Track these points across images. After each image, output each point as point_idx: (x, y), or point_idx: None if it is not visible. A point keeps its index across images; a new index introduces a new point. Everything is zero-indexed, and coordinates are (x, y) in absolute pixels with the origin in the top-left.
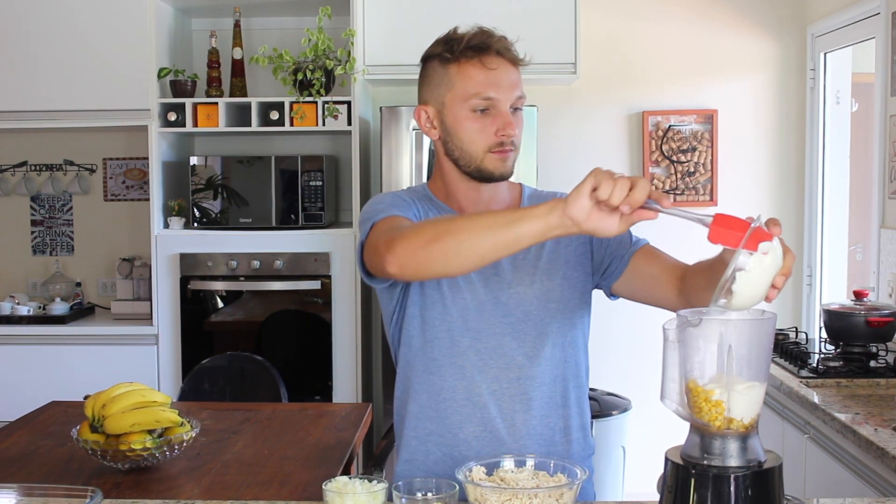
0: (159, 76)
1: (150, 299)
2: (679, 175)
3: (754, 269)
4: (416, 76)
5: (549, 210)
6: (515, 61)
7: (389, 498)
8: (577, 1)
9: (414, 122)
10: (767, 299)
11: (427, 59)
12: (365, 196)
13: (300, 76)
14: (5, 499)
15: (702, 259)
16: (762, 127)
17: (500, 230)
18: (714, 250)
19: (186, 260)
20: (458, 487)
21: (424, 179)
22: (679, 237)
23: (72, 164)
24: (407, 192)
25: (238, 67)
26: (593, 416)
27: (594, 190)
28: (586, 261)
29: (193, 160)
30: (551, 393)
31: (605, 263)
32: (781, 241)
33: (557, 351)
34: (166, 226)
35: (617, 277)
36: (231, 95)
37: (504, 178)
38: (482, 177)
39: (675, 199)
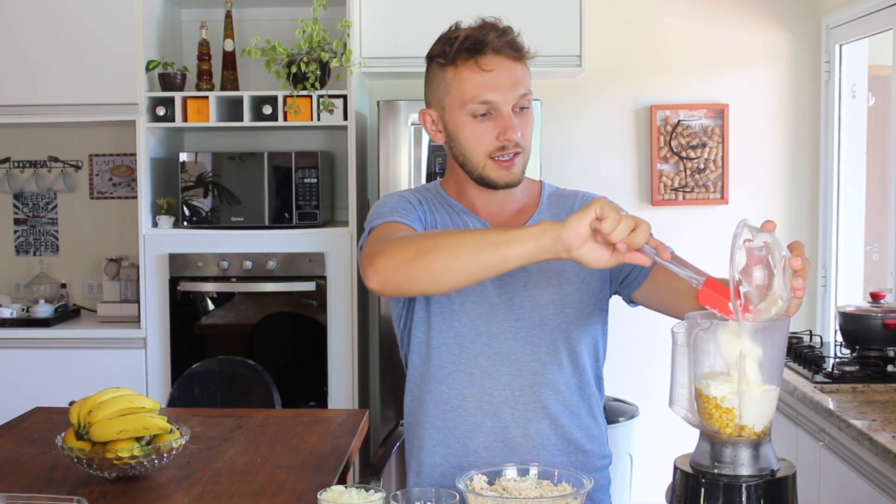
0: (147, 69)
1: (138, 301)
2: (688, 172)
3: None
4: (415, 69)
5: (542, 233)
6: (517, 57)
7: None
8: None
9: (412, 118)
10: (796, 295)
11: (428, 59)
12: (362, 194)
13: (294, 69)
14: None
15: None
16: (775, 122)
17: (488, 251)
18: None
19: (176, 260)
20: (458, 497)
21: (423, 176)
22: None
23: (56, 160)
24: (417, 191)
25: (229, 60)
26: None
27: (597, 220)
28: (616, 267)
29: (183, 156)
30: (566, 401)
31: (625, 272)
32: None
33: (573, 358)
34: (155, 225)
35: (636, 287)
36: (222, 89)
37: (510, 186)
38: (486, 185)
39: (684, 197)
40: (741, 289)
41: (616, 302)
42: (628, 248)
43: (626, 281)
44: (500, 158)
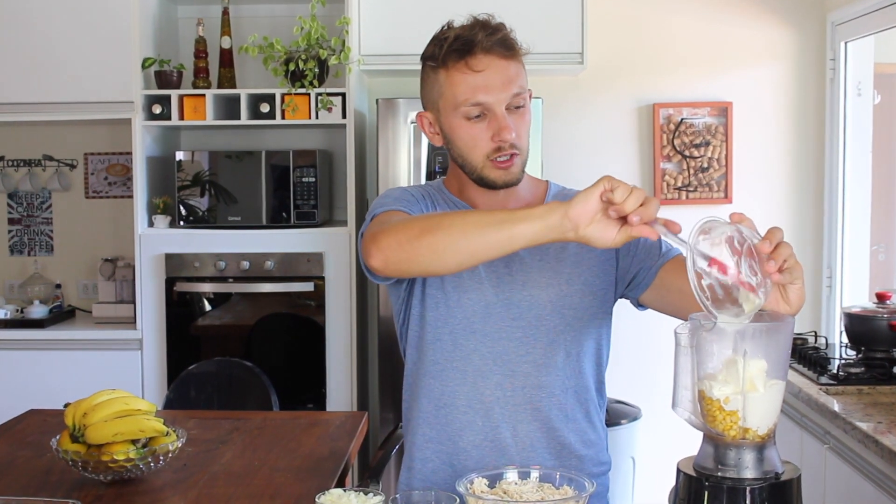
0: (143, 66)
1: (134, 302)
2: (692, 171)
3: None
4: (415, 66)
5: (549, 211)
6: (508, 55)
7: None
8: None
9: (412, 116)
10: (773, 279)
11: (422, 60)
12: (360, 193)
13: (292, 66)
14: None
15: None
16: (779, 120)
17: (494, 229)
18: None
19: (172, 260)
20: (458, 500)
21: (423, 175)
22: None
23: (51, 159)
24: (420, 187)
25: (226, 57)
26: None
27: (607, 192)
28: (610, 268)
29: (179, 155)
30: (561, 405)
31: (632, 273)
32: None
33: (570, 361)
34: (151, 224)
35: (644, 289)
36: (219, 87)
37: (509, 185)
38: (486, 185)
39: (687, 196)
40: (703, 282)
41: (618, 301)
42: (641, 220)
43: (633, 283)
44: (498, 160)
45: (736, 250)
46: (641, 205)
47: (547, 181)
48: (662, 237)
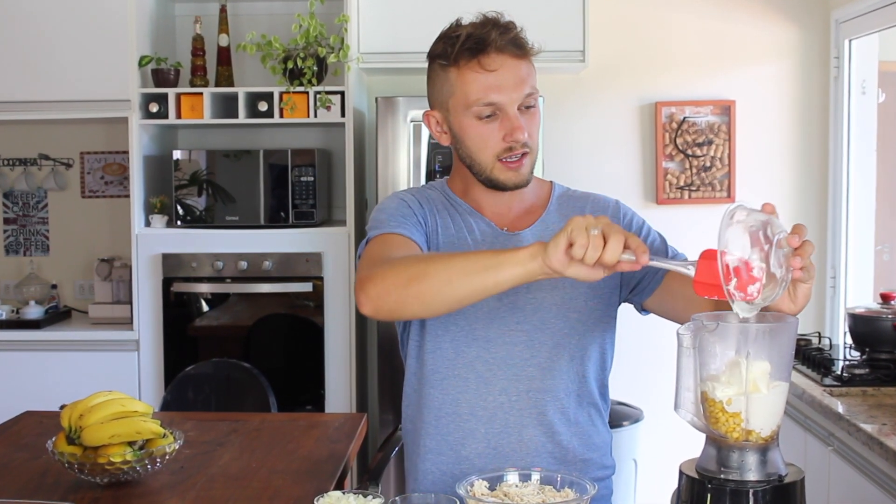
0: (140, 64)
1: (131, 302)
2: (694, 170)
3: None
4: (414, 64)
5: (531, 257)
6: (520, 54)
7: None
8: None
9: (412, 114)
10: (795, 275)
11: (430, 58)
12: (360, 193)
13: (290, 65)
14: None
15: None
16: (783, 119)
17: (480, 275)
18: None
19: (169, 260)
20: (458, 503)
21: (423, 174)
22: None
23: (47, 158)
24: (420, 191)
25: (224, 55)
26: None
27: (570, 246)
28: (615, 272)
29: (177, 154)
30: (564, 409)
31: (637, 278)
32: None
33: (574, 365)
34: (148, 224)
35: (648, 295)
36: (217, 85)
37: (518, 187)
38: (495, 187)
39: (690, 196)
40: (727, 259)
41: (621, 305)
42: (604, 267)
43: (637, 288)
44: (508, 160)
45: (768, 239)
46: (605, 244)
47: (551, 182)
48: (659, 266)
